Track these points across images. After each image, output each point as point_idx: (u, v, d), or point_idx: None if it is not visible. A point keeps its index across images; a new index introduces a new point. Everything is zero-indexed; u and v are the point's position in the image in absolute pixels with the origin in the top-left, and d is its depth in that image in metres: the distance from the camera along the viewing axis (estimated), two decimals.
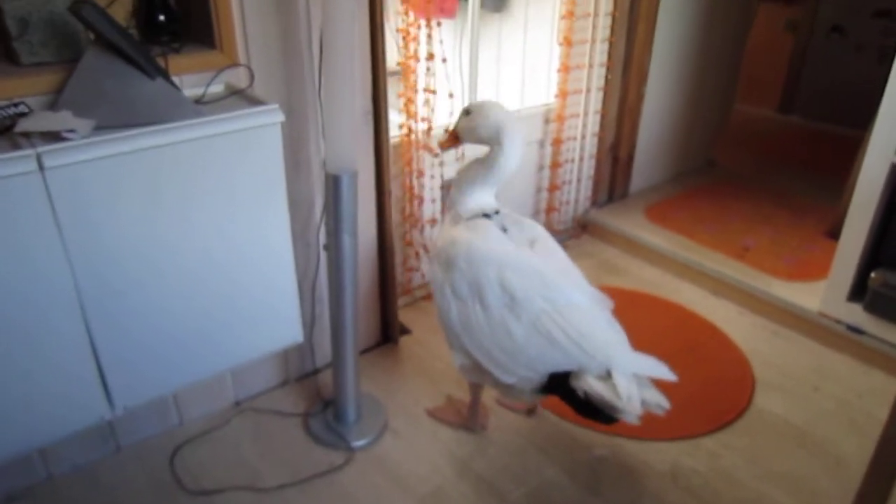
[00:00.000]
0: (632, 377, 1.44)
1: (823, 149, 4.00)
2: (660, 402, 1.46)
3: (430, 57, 2.07)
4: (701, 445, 1.83)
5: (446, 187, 2.29)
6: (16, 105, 1.28)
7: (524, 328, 1.49)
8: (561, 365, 1.48)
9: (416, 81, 2.09)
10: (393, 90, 1.97)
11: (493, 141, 1.61)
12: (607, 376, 1.44)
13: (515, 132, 1.60)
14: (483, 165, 1.64)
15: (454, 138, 1.70)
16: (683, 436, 1.85)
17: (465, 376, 1.70)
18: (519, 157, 1.62)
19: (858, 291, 2.17)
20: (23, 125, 1.21)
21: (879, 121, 2.00)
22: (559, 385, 1.51)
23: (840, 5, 4.13)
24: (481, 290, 1.53)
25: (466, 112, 1.66)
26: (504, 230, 1.62)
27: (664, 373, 1.47)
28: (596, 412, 1.46)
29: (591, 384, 1.43)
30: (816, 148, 4.04)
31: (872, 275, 2.09)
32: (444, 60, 2.11)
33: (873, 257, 2.15)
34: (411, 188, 2.24)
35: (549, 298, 1.50)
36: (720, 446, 1.83)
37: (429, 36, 2.05)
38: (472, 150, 2.11)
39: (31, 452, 1.62)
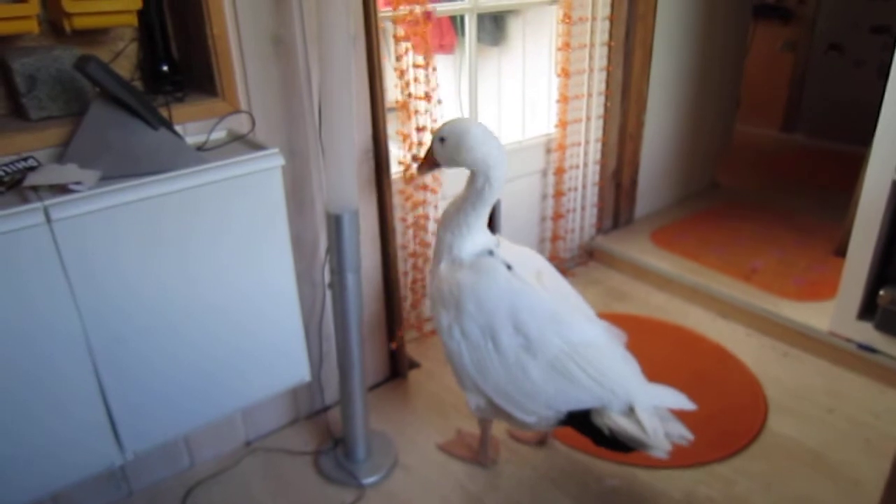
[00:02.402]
0: (653, 411, 1.44)
1: (828, 166, 4.00)
2: (683, 433, 1.45)
3: (428, 97, 2.09)
4: (715, 472, 1.81)
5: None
6: (25, 159, 1.32)
7: (541, 368, 1.48)
8: (582, 403, 1.48)
9: (415, 116, 2.11)
10: (395, 126, 2.00)
11: (479, 170, 1.52)
12: (630, 412, 1.43)
13: (502, 159, 1.52)
14: (469, 202, 1.56)
15: (431, 164, 1.61)
16: (697, 463, 1.83)
17: (481, 416, 1.68)
18: (504, 179, 1.54)
19: (868, 310, 2.15)
20: (31, 179, 1.24)
21: (878, 137, 2.01)
22: (577, 419, 1.50)
23: (837, 23, 4.16)
24: (494, 333, 1.51)
25: (441, 139, 1.55)
26: (509, 267, 1.55)
27: (684, 403, 1.47)
28: (617, 444, 1.46)
29: (617, 421, 1.43)
30: (821, 166, 4.03)
31: (881, 293, 2.08)
32: (435, 100, 2.09)
33: (881, 275, 2.14)
34: (416, 222, 2.26)
35: (565, 337, 1.49)
36: (735, 472, 1.80)
37: (419, 77, 2.07)
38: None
39: (44, 499, 1.63)
